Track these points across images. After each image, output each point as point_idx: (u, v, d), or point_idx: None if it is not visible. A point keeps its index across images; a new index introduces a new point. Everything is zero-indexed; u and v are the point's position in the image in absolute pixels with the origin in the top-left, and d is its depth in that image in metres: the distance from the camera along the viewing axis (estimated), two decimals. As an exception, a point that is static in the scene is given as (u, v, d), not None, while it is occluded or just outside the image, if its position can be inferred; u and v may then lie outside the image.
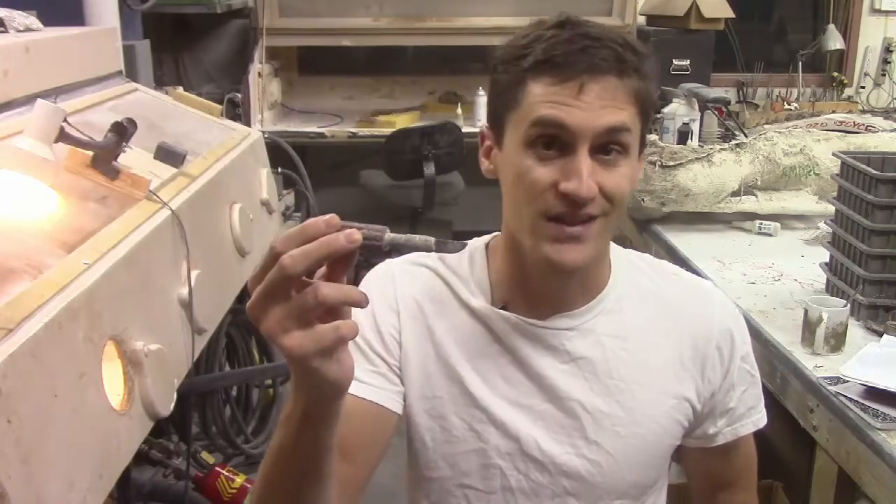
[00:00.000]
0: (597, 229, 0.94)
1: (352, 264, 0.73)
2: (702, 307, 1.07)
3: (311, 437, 0.80)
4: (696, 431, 1.08)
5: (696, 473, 1.15)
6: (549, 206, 0.92)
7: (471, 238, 1.08)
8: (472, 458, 1.04)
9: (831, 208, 1.90)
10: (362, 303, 0.72)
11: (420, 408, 1.05)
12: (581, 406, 1.02)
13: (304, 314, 0.70)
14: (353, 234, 0.70)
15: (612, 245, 1.06)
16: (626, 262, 1.08)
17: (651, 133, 3.01)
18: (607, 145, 0.92)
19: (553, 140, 0.91)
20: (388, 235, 0.74)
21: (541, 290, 1.01)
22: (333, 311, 0.72)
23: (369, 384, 1.02)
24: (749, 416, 1.09)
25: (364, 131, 4.03)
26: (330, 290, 0.70)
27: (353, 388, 0.98)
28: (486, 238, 1.09)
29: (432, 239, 0.75)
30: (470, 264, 1.07)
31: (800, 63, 4.64)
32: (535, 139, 0.92)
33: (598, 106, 0.90)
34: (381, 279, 1.08)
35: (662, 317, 1.05)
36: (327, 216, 0.71)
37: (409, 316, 1.05)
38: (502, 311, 1.03)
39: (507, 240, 1.03)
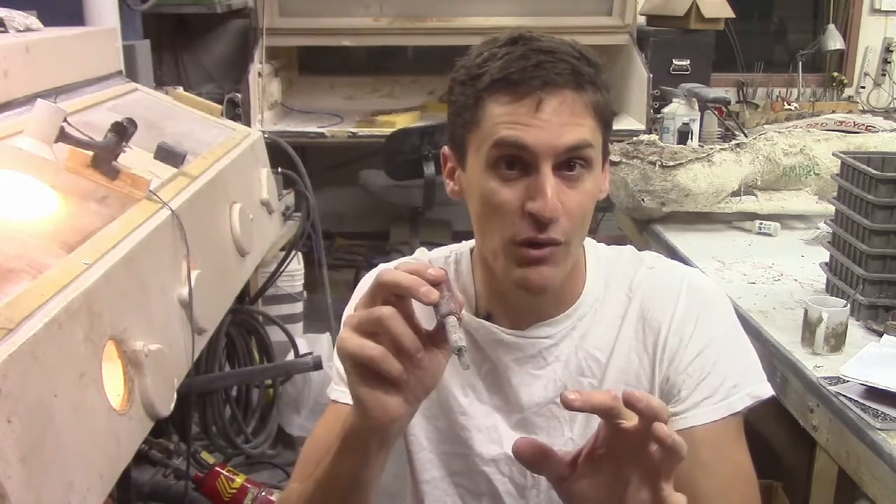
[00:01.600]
0: (563, 252, 0.95)
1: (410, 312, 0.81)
2: (668, 296, 1.04)
3: (349, 463, 0.86)
4: None
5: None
6: (516, 230, 0.93)
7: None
8: (461, 461, 1.07)
9: (831, 208, 1.90)
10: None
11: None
12: (558, 406, 1.03)
13: (369, 325, 0.78)
14: (431, 294, 0.78)
15: (590, 242, 1.08)
16: (604, 261, 1.08)
17: (651, 133, 3.01)
18: (570, 161, 0.92)
19: (515, 160, 0.92)
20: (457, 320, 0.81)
21: (517, 304, 1.03)
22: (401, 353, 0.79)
23: None
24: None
25: (364, 131, 4.02)
26: (402, 328, 0.78)
27: (343, 398, 1.05)
28: (471, 242, 1.09)
29: (463, 348, 0.80)
30: (456, 272, 1.08)
31: (800, 63, 4.64)
32: (496, 160, 0.92)
33: (556, 123, 0.90)
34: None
35: (634, 313, 1.05)
36: (441, 273, 0.81)
37: None
38: (484, 322, 1.04)
39: (480, 257, 1.04)
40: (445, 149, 1.02)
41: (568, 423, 1.04)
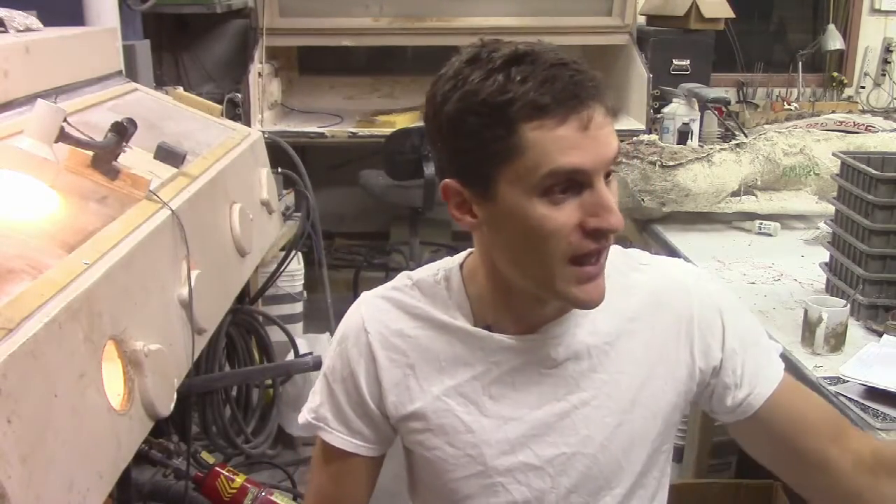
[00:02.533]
0: (604, 259, 0.95)
1: None
2: (680, 291, 1.06)
3: None
4: (725, 404, 1.06)
5: (779, 455, 1.09)
6: (575, 248, 0.90)
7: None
8: (472, 482, 1.06)
9: (831, 208, 1.90)
10: None
11: (413, 441, 1.07)
12: (571, 405, 1.03)
13: None
14: None
15: None
16: None
17: (651, 133, 3.02)
18: (609, 171, 0.92)
19: (569, 183, 0.89)
20: None
21: (531, 311, 1.02)
22: None
23: (342, 435, 1.08)
24: (766, 374, 1.06)
25: (364, 131, 4.02)
26: None
27: (330, 439, 1.08)
28: (458, 258, 1.08)
29: None
30: (447, 288, 1.06)
31: (800, 63, 4.64)
32: (551, 188, 0.88)
33: (601, 137, 0.88)
34: (354, 328, 1.08)
35: (639, 307, 1.05)
36: None
37: (388, 359, 1.05)
38: (487, 332, 1.03)
39: (492, 274, 1.01)
40: (451, 182, 0.94)
41: (583, 421, 1.03)
